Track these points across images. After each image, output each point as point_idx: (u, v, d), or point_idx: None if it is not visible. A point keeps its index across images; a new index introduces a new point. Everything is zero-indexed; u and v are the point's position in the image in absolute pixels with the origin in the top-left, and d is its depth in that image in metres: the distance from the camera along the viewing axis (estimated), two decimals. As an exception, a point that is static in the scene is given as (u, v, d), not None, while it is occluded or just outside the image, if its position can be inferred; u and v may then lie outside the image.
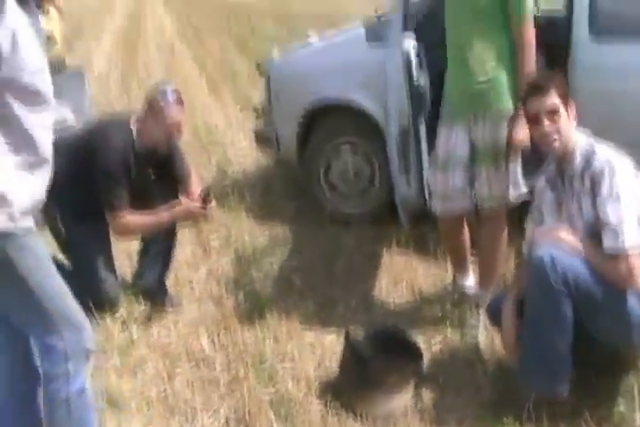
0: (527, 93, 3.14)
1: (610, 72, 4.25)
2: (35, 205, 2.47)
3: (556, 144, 3.04)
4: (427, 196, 4.09)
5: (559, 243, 2.93)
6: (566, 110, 3.04)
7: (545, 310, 2.89)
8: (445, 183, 3.78)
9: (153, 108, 3.93)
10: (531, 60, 3.58)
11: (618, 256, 2.85)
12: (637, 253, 2.83)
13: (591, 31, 4.27)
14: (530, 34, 3.58)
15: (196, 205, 3.89)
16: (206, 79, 10.93)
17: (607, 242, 2.86)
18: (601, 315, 2.91)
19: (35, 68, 2.30)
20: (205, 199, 3.88)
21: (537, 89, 3.08)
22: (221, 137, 7.45)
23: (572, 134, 3.06)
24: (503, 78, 3.62)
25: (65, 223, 4.11)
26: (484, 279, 3.98)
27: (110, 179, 3.86)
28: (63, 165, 4.08)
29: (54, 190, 4.08)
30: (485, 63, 3.63)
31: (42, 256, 2.53)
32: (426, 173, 4.21)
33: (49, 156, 2.48)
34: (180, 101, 3.96)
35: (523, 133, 3.54)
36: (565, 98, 3.05)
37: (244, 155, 6.87)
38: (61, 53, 7.09)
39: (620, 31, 4.30)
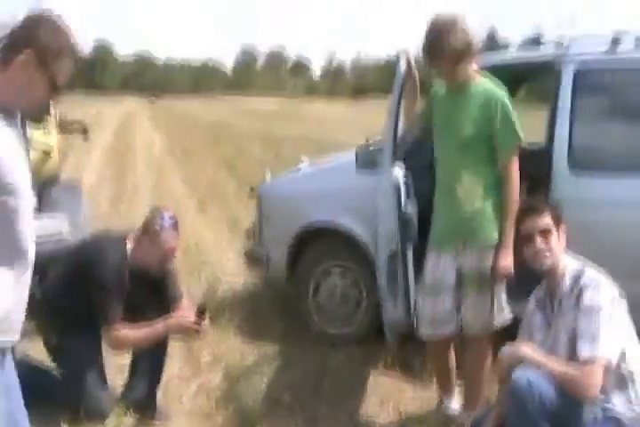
0: (522, 214, 3.35)
1: (587, 204, 4.45)
2: (12, 319, 2.36)
3: (548, 262, 3.20)
4: (414, 320, 4.22)
5: (520, 359, 3.05)
6: (558, 232, 3.24)
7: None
8: (433, 308, 3.92)
9: (149, 231, 4.05)
10: (514, 192, 3.81)
11: (585, 363, 2.96)
12: (603, 365, 2.94)
13: (570, 164, 4.53)
14: (514, 167, 3.83)
15: (190, 320, 3.97)
16: (195, 197, 11.19)
17: (581, 350, 2.98)
18: None
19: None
20: (200, 315, 3.97)
21: (532, 210, 3.29)
22: (211, 256, 7.60)
23: (563, 256, 3.23)
24: (489, 209, 3.83)
25: (57, 332, 4.17)
26: (468, 401, 4.08)
27: (106, 292, 3.95)
28: (58, 276, 4.24)
29: (48, 299, 4.21)
30: (473, 194, 3.83)
31: (11, 385, 2.44)
32: (413, 297, 4.38)
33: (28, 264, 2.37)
34: (176, 227, 4.09)
35: (507, 261, 3.74)
36: (558, 220, 3.24)
37: (234, 274, 6.99)
38: (57, 167, 7.28)
39: (597, 165, 4.57)
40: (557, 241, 3.23)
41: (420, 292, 4.09)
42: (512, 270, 3.74)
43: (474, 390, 4.08)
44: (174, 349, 4.73)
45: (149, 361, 4.28)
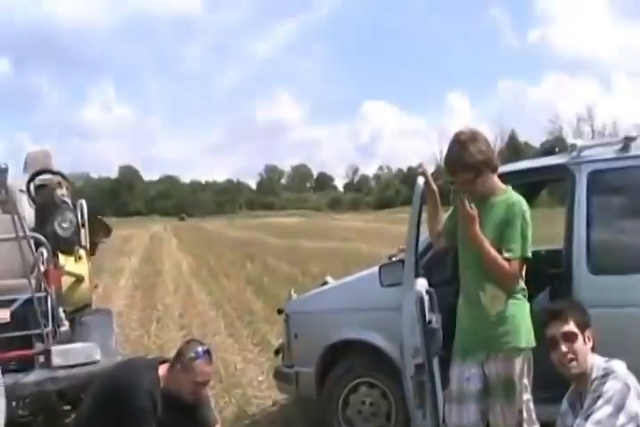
0: (547, 319, 3.40)
1: (609, 304, 4.45)
2: None
3: (573, 365, 3.26)
4: None
5: None
6: (583, 336, 3.28)
7: None
8: (460, 417, 3.93)
9: (184, 363, 4.12)
10: (497, 262, 3.84)
11: None
12: None
13: (589, 265, 4.59)
14: (513, 268, 3.85)
15: None
16: (223, 318, 11.26)
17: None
18: None
19: None
20: None
21: (555, 315, 3.35)
22: (240, 377, 7.61)
23: (589, 358, 3.26)
24: (513, 316, 3.88)
25: None
26: None
27: (141, 416, 3.98)
28: (91, 403, 4.28)
29: (80, 425, 4.23)
30: (496, 302, 3.89)
31: None
32: (441, 407, 4.38)
33: None
34: (210, 361, 4.19)
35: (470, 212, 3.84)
36: (584, 324, 3.30)
37: (263, 394, 6.99)
38: (88, 294, 7.39)
39: (616, 266, 4.64)
40: (583, 345, 3.27)
41: (446, 400, 4.10)
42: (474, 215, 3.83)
43: None
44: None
45: None
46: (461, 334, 4.08)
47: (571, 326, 3.29)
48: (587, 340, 3.30)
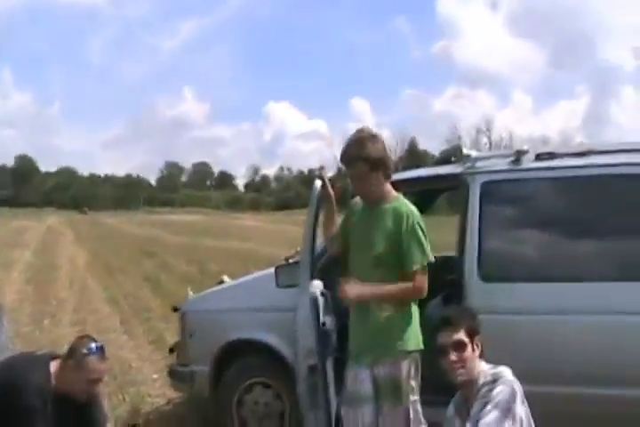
0: (438, 326, 3.50)
1: (498, 311, 4.61)
2: None
3: (462, 372, 3.37)
4: None
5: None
6: (472, 343, 3.40)
7: None
8: (355, 419, 4.02)
9: (76, 359, 4.04)
10: (406, 292, 3.97)
11: None
12: None
13: (480, 273, 4.74)
14: (419, 283, 3.97)
15: None
16: (119, 315, 11.13)
17: None
18: None
19: None
20: None
21: (446, 323, 3.46)
22: (135, 375, 7.55)
23: (477, 366, 3.38)
24: (400, 319, 3.99)
25: None
26: None
27: (32, 415, 3.90)
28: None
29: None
30: (384, 307, 4.00)
31: None
32: (334, 409, 4.49)
33: None
34: (104, 358, 4.11)
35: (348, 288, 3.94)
36: (474, 331, 3.41)
37: (158, 392, 6.98)
38: None
39: (505, 274, 4.80)
40: (472, 353, 3.38)
41: (342, 403, 4.18)
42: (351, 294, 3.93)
43: None
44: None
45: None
46: (352, 337, 4.17)
47: (461, 335, 3.39)
48: (475, 347, 3.40)
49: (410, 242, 3.98)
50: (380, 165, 4.04)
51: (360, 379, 4.03)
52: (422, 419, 4.02)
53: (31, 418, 3.93)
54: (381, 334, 3.99)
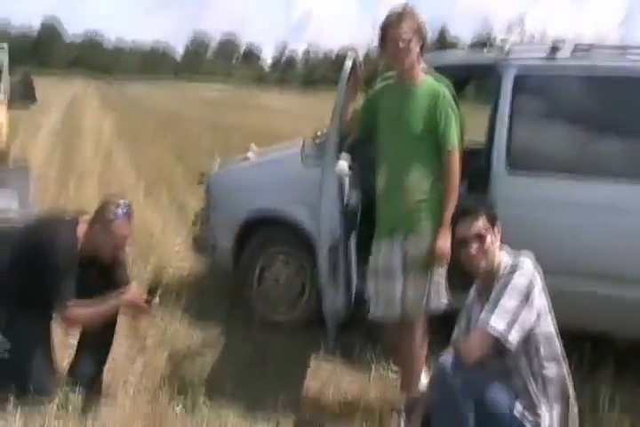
0: (458, 218, 3.52)
1: (523, 203, 4.69)
2: None
3: (482, 264, 3.38)
4: (356, 306, 4.41)
5: None
6: (493, 234, 3.39)
7: (448, 410, 3.17)
8: (384, 292, 4.13)
9: (103, 218, 4.10)
10: (454, 189, 4.07)
11: (476, 328, 3.21)
12: (488, 333, 3.14)
13: (508, 164, 4.75)
14: (455, 160, 4.09)
15: (141, 298, 4.06)
16: (143, 184, 11.21)
17: (480, 316, 3.21)
18: (490, 422, 3.20)
19: None
20: (151, 295, 4.06)
21: (467, 214, 3.45)
22: (157, 243, 7.67)
23: (498, 255, 3.39)
24: (434, 201, 4.08)
25: (7, 310, 4.20)
26: (404, 385, 4.29)
27: (60, 270, 4.00)
28: (8, 255, 4.27)
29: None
30: (419, 186, 4.09)
31: None
32: (354, 285, 4.59)
33: None
34: (129, 216, 4.15)
35: (444, 242, 3.96)
36: (492, 221, 3.41)
37: (181, 260, 7.11)
38: (6, 145, 7.25)
39: (532, 166, 4.80)
40: (491, 243, 3.38)
41: (371, 276, 4.24)
42: (449, 252, 3.93)
43: (409, 374, 4.28)
44: (121, 328, 4.81)
45: (98, 339, 4.36)
46: (384, 214, 4.24)
47: (480, 226, 3.37)
48: (495, 237, 3.39)
49: (446, 121, 4.06)
50: (420, 37, 4.09)
51: (390, 253, 4.13)
52: (445, 293, 4.13)
53: (57, 278, 4.02)
54: (414, 211, 4.10)
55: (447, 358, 3.22)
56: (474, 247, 3.37)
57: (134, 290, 4.17)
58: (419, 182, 4.10)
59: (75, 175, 11.39)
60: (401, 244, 4.11)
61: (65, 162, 12.81)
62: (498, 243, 3.41)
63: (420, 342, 4.19)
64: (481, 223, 3.37)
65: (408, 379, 4.28)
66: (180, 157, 13.59)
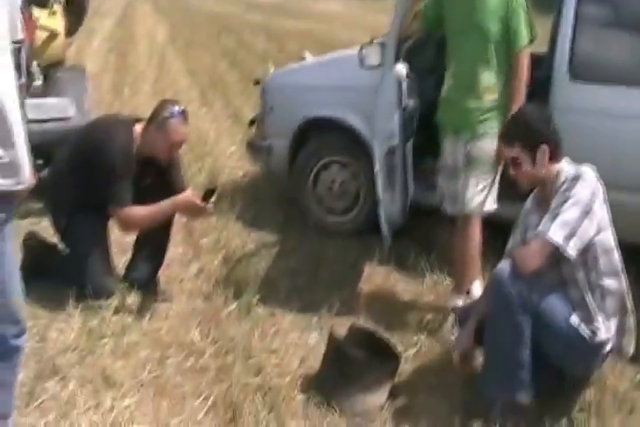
0: (498, 139, 3.52)
1: (584, 112, 4.51)
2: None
3: (524, 186, 3.36)
4: (439, 199, 4.38)
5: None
6: (532, 156, 3.26)
7: (503, 319, 3.12)
8: (451, 188, 4.18)
9: (160, 117, 4.11)
10: (522, 91, 4.03)
11: (535, 237, 3.13)
12: (547, 243, 3.07)
13: (570, 72, 4.57)
14: (524, 67, 4.03)
15: (198, 200, 4.03)
16: (197, 88, 11.14)
17: (540, 225, 3.14)
18: (546, 333, 3.14)
19: None
20: (209, 196, 4.04)
21: (503, 138, 3.40)
22: (212, 146, 7.64)
23: (552, 169, 3.26)
24: (503, 107, 4.03)
25: (65, 212, 4.29)
26: (456, 285, 4.32)
27: (116, 173, 4.03)
28: (66, 157, 4.32)
29: (56, 180, 4.32)
30: (488, 87, 4.04)
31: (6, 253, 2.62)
32: (410, 191, 4.53)
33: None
34: (185, 118, 4.16)
35: None
36: (532, 145, 3.25)
37: (235, 165, 7.09)
38: (63, 50, 7.22)
39: (596, 74, 4.60)
40: (532, 166, 3.26)
41: (440, 174, 4.31)
42: None
43: (461, 273, 4.30)
44: (176, 232, 4.88)
45: (153, 242, 4.43)
46: (450, 114, 4.21)
47: (515, 152, 3.28)
48: (539, 158, 3.25)
49: (518, 21, 3.98)
50: None
51: (454, 153, 4.15)
52: (496, 198, 4.16)
53: (114, 179, 4.04)
54: (480, 114, 4.06)
55: (504, 267, 3.15)
56: (512, 170, 3.34)
57: (190, 193, 4.15)
58: (487, 84, 4.05)
59: (129, 82, 11.35)
60: (464, 144, 4.09)
61: (119, 68, 12.73)
62: (544, 162, 3.27)
63: (474, 243, 4.21)
64: (516, 150, 3.28)
65: (460, 279, 4.30)
66: (234, 64, 13.40)
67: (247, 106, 9.33)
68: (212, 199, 4.06)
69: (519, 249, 3.27)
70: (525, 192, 3.49)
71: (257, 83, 6.25)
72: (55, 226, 4.40)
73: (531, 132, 3.29)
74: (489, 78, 4.05)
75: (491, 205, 4.17)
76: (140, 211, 4.06)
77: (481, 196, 4.11)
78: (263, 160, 6.05)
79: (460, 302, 4.15)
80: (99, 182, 4.05)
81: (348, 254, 5.09)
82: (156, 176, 4.32)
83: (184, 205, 4.06)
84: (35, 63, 6.10)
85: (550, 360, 3.23)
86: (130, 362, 3.65)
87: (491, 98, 4.05)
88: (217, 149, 7.59)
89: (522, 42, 4.02)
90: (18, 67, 5.58)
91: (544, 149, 3.25)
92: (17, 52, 5.64)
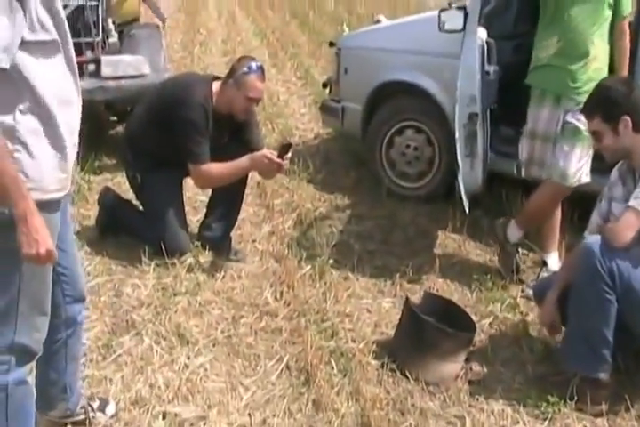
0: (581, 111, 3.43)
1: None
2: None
3: (607, 158, 3.29)
4: (521, 164, 4.29)
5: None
6: (613, 129, 3.18)
7: (590, 294, 3.03)
8: (543, 152, 4.08)
9: (237, 77, 4.09)
10: (626, 58, 4.00)
11: (626, 210, 3.05)
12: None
13: None
14: (627, 33, 3.97)
15: (274, 156, 3.97)
16: (267, 49, 11.07)
17: (632, 197, 3.07)
18: (635, 308, 3.05)
19: None
20: (284, 151, 3.98)
21: (583, 112, 3.34)
22: (283, 107, 7.59)
23: (630, 144, 3.19)
24: (605, 71, 3.96)
25: (141, 169, 4.30)
26: (522, 223, 4.27)
27: (194, 128, 4.03)
28: (142, 113, 4.33)
29: (132, 137, 4.34)
30: (593, 55, 3.93)
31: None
32: (488, 158, 4.44)
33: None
34: (263, 78, 4.15)
35: None
36: (612, 118, 3.18)
37: (306, 126, 7.04)
38: (137, 8, 7.24)
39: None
40: (613, 139, 3.20)
41: (529, 137, 4.17)
42: None
43: (531, 221, 4.27)
44: (248, 194, 4.87)
45: (227, 201, 4.42)
46: (551, 82, 4.06)
47: (595, 125, 3.23)
48: (622, 129, 3.18)
49: None
50: None
51: (552, 120, 4.03)
52: (589, 172, 4.02)
53: (192, 131, 4.04)
54: (583, 84, 3.92)
55: (594, 240, 3.06)
56: (594, 144, 3.31)
57: (266, 150, 4.13)
58: (595, 53, 3.93)
59: (199, 41, 11.32)
60: (565, 113, 3.97)
61: (189, 29, 12.70)
62: (628, 132, 3.18)
63: (555, 211, 4.17)
64: (596, 123, 3.23)
65: (527, 223, 4.27)
66: (304, 25, 13.28)
67: (317, 68, 9.25)
68: (288, 155, 4.02)
69: (609, 223, 3.18)
70: (611, 164, 3.41)
71: (332, 44, 6.15)
72: (131, 183, 4.41)
73: (609, 105, 3.21)
74: (598, 47, 3.93)
75: (585, 177, 4.04)
76: (219, 167, 4.05)
77: (578, 166, 3.98)
78: (336, 122, 5.99)
79: None
80: (177, 139, 4.05)
81: (420, 221, 5.02)
82: (233, 134, 4.31)
83: (261, 161, 4.01)
84: (110, 20, 6.12)
85: (635, 336, 3.14)
86: (203, 320, 3.68)
87: (595, 66, 3.93)
88: (288, 111, 7.55)
89: (627, 10, 3.93)
90: (95, 24, 5.63)
91: (626, 120, 3.17)
92: (94, 9, 5.69)
